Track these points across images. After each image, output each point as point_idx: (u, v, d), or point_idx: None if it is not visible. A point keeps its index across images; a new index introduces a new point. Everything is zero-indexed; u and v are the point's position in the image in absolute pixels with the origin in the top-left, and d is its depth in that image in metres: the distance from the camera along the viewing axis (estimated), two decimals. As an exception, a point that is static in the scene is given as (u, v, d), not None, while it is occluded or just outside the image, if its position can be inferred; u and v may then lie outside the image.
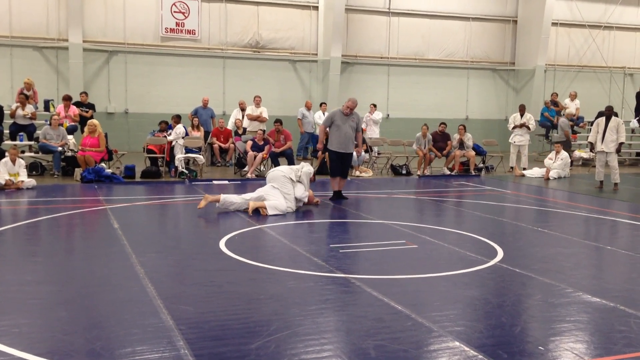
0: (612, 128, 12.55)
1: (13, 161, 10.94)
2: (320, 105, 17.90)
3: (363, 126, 14.60)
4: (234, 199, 8.83)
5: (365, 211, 9.48)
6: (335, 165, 10.50)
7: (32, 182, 11.05)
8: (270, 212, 8.58)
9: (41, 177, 12.51)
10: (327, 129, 10.41)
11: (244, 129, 16.16)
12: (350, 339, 4.06)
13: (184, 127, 14.26)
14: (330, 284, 5.33)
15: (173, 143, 13.72)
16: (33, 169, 12.78)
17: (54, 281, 5.33)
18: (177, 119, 14.46)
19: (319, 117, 17.42)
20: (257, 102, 16.53)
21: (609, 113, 12.73)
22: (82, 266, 5.92)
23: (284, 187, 8.96)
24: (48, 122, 13.30)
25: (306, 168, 9.43)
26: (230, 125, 16.05)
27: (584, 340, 4.15)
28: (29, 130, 13.71)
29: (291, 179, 9.07)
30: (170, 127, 14.53)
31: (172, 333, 4.04)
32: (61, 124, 13.51)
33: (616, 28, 23.93)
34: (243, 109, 16.47)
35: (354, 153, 11.01)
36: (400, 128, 19.74)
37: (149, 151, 13.76)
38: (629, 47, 24.38)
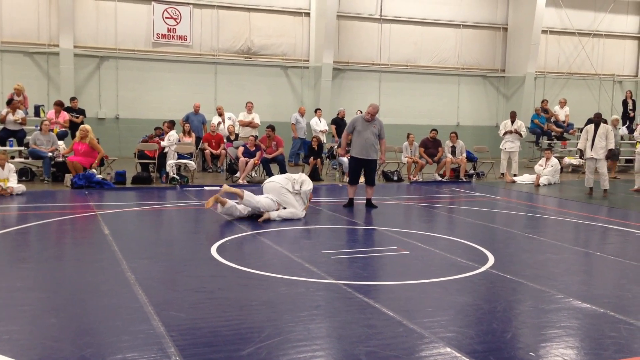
0: (601, 135, 12.64)
1: (2, 166, 10.88)
2: (316, 111, 17.94)
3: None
4: (237, 208, 8.67)
5: (357, 217, 9.48)
6: (353, 172, 10.43)
7: (22, 187, 10.98)
8: (245, 197, 8.53)
9: (31, 183, 12.44)
10: (350, 135, 10.36)
11: (236, 135, 16.17)
12: (341, 345, 4.06)
13: (175, 133, 14.24)
14: (321, 290, 5.32)
15: (166, 149, 13.69)
16: (23, 174, 12.71)
17: (44, 288, 5.30)
18: (171, 125, 14.42)
19: (316, 123, 17.47)
20: (249, 108, 16.55)
21: (597, 120, 12.83)
22: (73, 273, 5.89)
23: (282, 197, 8.84)
24: (38, 128, 13.24)
25: (305, 186, 9.16)
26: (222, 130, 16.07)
27: (574, 346, 4.17)
28: (19, 136, 13.64)
29: (288, 190, 8.93)
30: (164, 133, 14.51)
31: (163, 340, 4.02)
32: (52, 130, 13.46)
33: (605, 36, 24.15)
34: (221, 114, 16.49)
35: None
36: (392, 134, 19.71)
37: (141, 156, 13.71)
38: (618, 55, 24.61)
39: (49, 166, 12.70)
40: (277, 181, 9.10)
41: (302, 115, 17.70)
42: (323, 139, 17.01)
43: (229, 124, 16.38)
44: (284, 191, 8.88)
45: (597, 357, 3.95)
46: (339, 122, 17.18)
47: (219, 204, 8.68)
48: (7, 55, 17.85)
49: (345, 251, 6.99)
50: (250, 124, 16.30)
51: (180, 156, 13.76)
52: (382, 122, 10.39)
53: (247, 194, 8.63)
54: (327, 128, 17.50)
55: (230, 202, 8.68)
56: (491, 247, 7.21)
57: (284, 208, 8.84)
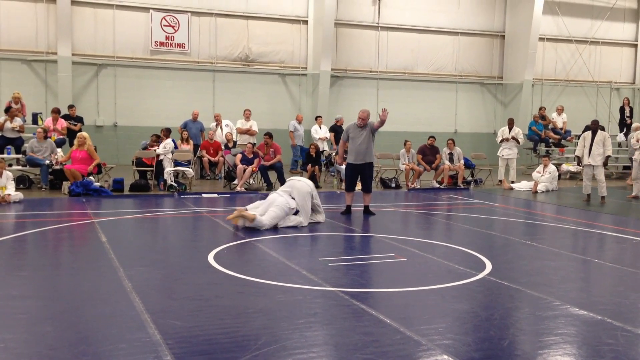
0: (599, 142, 12.66)
1: (0, 174, 10.87)
2: (316, 118, 17.96)
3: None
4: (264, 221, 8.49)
5: (354, 224, 9.47)
6: (350, 179, 10.44)
7: (19, 195, 10.97)
8: (254, 223, 8.39)
9: (29, 191, 12.43)
10: (346, 143, 10.39)
11: (234, 142, 16.17)
12: (338, 352, 4.05)
13: (173, 140, 14.23)
14: (319, 297, 5.31)
15: (161, 157, 13.68)
16: (20, 182, 12.69)
17: (40, 296, 5.28)
18: (167, 132, 14.41)
19: (315, 131, 17.50)
20: (247, 115, 16.57)
21: (594, 127, 12.85)
22: (69, 280, 5.88)
23: (304, 201, 8.82)
24: (35, 136, 13.24)
25: (317, 200, 9.21)
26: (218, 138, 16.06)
27: (571, 353, 4.16)
28: (17, 144, 13.64)
29: (312, 196, 8.97)
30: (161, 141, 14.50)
31: (159, 348, 4.01)
32: (49, 137, 13.45)
33: (602, 43, 24.24)
34: (218, 122, 16.49)
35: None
36: (389, 141, 19.81)
37: (139, 164, 13.70)
38: (615, 62, 24.69)
39: (46, 174, 12.69)
40: (307, 184, 9.09)
41: (299, 122, 17.71)
42: (324, 146, 17.04)
43: (227, 131, 16.39)
44: (309, 197, 8.92)
45: (594, 364, 3.95)
46: (337, 130, 17.21)
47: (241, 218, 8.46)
48: (5, 63, 17.85)
49: (343, 258, 6.98)
50: (248, 132, 16.30)
51: (178, 163, 13.75)
52: (372, 122, 10.30)
53: (257, 220, 8.41)
54: (327, 135, 17.52)
55: (258, 219, 8.45)
56: (489, 254, 7.21)
57: (294, 213, 8.81)
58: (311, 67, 20.71)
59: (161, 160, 13.65)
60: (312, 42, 20.64)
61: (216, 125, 16.43)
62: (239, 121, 16.63)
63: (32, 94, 17.47)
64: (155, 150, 13.78)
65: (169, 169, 13.39)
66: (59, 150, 13.48)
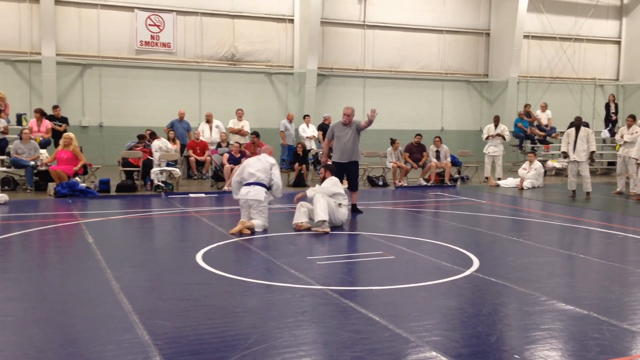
0: (583, 138, 12.78)
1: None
2: (304, 117, 17.94)
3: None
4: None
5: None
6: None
7: (4, 197, 10.86)
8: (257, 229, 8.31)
9: (14, 192, 12.32)
10: (331, 141, 10.37)
11: (228, 143, 16.10)
12: (327, 351, 4.06)
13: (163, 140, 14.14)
14: (307, 296, 5.32)
15: (153, 156, 13.59)
16: (5, 184, 12.58)
17: (27, 298, 5.24)
18: (152, 136, 14.27)
19: (303, 130, 17.48)
20: (240, 115, 16.53)
21: (577, 123, 12.97)
22: (56, 282, 5.84)
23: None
24: (19, 137, 13.13)
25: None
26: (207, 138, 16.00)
27: (558, 348, 4.21)
28: (1, 145, 13.51)
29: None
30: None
31: (148, 348, 4.00)
32: (33, 138, 13.34)
33: (586, 40, 24.45)
34: (209, 121, 16.43)
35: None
36: (376, 139, 19.86)
37: (125, 164, 13.62)
38: (598, 59, 24.91)
39: (31, 175, 12.59)
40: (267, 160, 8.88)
41: (290, 121, 17.69)
42: (311, 145, 17.02)
43: (221, 131, 16.26)
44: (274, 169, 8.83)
45: (580, 359, 3.99)
46: (325, 128, 17.20)
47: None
48: (-12, 63, 17.68)
49: (331, 257, 6.99)
50: (239, 132, 16.25)
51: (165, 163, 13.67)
52: (359, 121, 10.25)
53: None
54: (315, 134, 17.51)
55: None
56: (476, 250, 7.25)
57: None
58: (298, 66, 20.70)
59: (151, 160, 13.56)
60: (298, 41, 20.63)
61: (206, 122, 16.35)
62: (231, 121, 16.57)
63: (16, 95, 17.29)
64: (141, 151, 13.67)
65: (155, 169, 13.32)
66: (43, 151, 13.38)
